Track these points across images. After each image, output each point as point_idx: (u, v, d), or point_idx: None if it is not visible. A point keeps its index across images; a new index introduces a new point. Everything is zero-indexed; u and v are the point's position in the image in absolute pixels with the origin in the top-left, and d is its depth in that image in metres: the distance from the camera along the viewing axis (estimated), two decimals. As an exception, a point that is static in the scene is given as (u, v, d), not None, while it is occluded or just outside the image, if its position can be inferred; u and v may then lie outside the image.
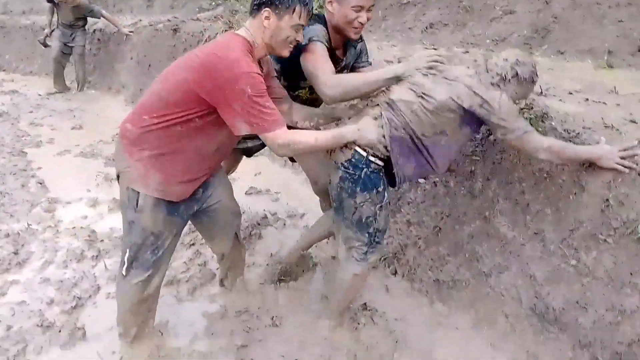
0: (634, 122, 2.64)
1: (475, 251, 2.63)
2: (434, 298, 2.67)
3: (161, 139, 2.01)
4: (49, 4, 7.20)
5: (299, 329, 2.50)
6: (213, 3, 7.90)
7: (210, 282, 2.89)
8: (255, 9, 2.00)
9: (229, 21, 5.82)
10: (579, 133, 2.41)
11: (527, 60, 2.13)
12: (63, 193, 3.97)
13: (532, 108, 2.67)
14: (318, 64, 2.16)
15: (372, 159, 2.12)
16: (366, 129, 2.09)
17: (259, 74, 1.90)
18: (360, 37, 2.46)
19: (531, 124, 2.53)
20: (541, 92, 3.10)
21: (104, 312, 2.60)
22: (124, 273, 2.23)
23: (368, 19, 2.25)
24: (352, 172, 2.13)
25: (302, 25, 2.03)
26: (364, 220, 2.18)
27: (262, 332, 2.48)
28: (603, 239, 2.14)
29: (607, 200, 2.16)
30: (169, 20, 6.65)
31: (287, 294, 2.76)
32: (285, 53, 2.08)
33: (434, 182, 3.05)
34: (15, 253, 3.09)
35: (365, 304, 2.61)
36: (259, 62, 2.08)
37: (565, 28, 4.55)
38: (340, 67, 2.46)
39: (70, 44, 7.20)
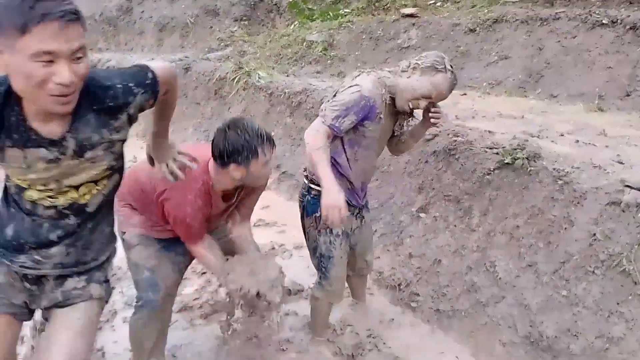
0: (621, 162, 2.85)
1: (474, 282, 2.79)
2: (435, 327, 2.81)
3: (136, 202, 2.30)
4: None
5: (303, 354, 2.64)
6: (222, 44, 8.26)
7: (221, 309, 3.03)
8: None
9: (239, 62, 6.11)
10: (567, 172, 2.61)
11: (431, 53, 2.27)
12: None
13: (524, 148, 2.88)
14: None
15: (312, 185, 2.36)
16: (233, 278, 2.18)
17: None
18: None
19: (522, 164, 2.76)
20: (534, 135, 3.33)
21: (121, 334, 2.74)
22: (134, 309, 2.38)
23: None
24: (301, 199, 2.45)
25: None
26: (312, 245, 2.45)
27: (270, 356, 2.61)
28: (591, 270, 2.31)
29: (595, 234, 2.35)
30: (180, 60, 6.96)
31: (293, 320, 2.89)
32: None
33: (434, 216, 3.24)
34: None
35: (369, 330, 2.75)
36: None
37: (558, 73, 4.83)
38: None
39: None
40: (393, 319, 2.91)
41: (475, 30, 5.70)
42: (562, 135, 3.47)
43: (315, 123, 2.22)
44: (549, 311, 2.41)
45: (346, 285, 2.77)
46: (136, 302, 2.34)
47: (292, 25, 7.91)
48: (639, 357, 2.08)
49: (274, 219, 4.24)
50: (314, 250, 2.47)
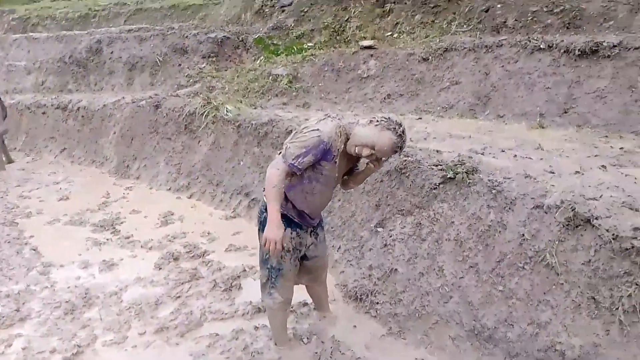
0: (552, 172, 3.21)
1: (425, 286, 3.07)
2: (393, 328, 3.06)
3: None
4: None
5: (275, 362, 2.86)
6: (191, 80, 8.56)
7: (195, 328, 3.23)
8: None
9: (207, 97, 6.41)
10: (500, 182, 2.95)
11: (393, 116, 2.49)
12: (56, 257, 4.31)
13: (463, 163, 3.22)
14: None
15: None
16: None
17: None
18: None
19: (462, 178, 3.09)
20: (476, 152, 3.68)
21: (104, 356, 2.93)
22: None
23: None
24: (259, 215, 2.74)
25: None
26: (264, 257, 2.73)
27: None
28: (522, 266, 2.62)
29: (523, 235, 2.67)
30: (150, 97, 7.22)
31: (264, 333, 3.11)
32: None
33: (390, 230, 3.52)
34: (17, 310, 3.40)
35: (333, 336, 2.99)
36: None
37: (503, 95, 5.26)
38: None
39: None
40: (355, 326, 3.15)
41: (428, 59, 6.13)
42: (503, 151, 3.83)
43: (278, 160, 2.49)
44: (489, 305, 2.70)
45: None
46: None
47: (259, 60, 8.28)
48: (563, 338, 2.38)
49: (244, 243, 4.47)
50: (264, 262, 2.74)
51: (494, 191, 2.94)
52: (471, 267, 2.87)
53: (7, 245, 4.52)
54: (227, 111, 5.89)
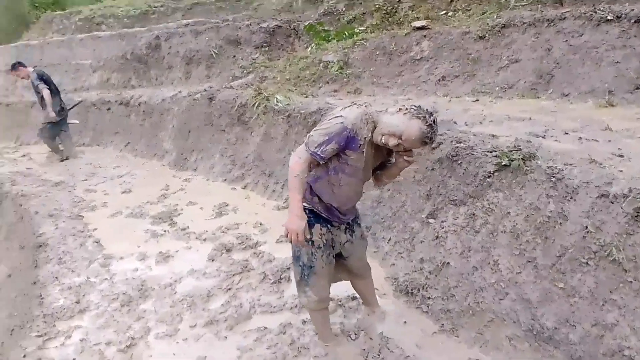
0: (620, 156, 2.92)
1: (479, 281, 2.90)
2: (445, 325, 2.92)
3: None
4: None
5: (320, 358, 2.80)
6: (244, 71, 8.63)
7: (244, 321, 3.24)
8: None
9: (258, 88, 6.41)
10: (560, 169, 2.71)
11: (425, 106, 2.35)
12: (116, 250, 4.47)
13: (520, 149, 2.99)
14: None
15: None
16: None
17: None
18: None
19: (518, 165, 2.87)
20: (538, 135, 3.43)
21: (156, 349, 3.00)
22: None
23: None
24: None
25: None
26: (295, 254, 2.65)
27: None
28: (585, 261, 2.40)
29: (587, 227, 2.44)
30: (205, 90, 7.33)
31: (311, 328, 3.06)
32: None
33: (442, 221, 3.36)
34: (77, 302, 3.55)
35: (382, 332, 2.89)
36: None
37: (567, 72, 4.88)
38: None
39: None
40: (406, 322, 3.04)
41: (485, 37, 5.81)
42: (567, 133, 3.55)
43: (301, 149, 2.40)
44: (549, 303, 2.50)
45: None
46: None
47: (309, 48, 8.20)
48: (632, 342, 2.15)
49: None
50: (297, 259, 2.66)
51: (553, 179, 2.70)
52: (529, 261, 2.67)
53: (72, 239, 4.74)
54: (277, 101, 5.87)
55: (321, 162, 2.42)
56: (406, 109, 2.30)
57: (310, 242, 2.58)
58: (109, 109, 9.42)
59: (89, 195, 6.26)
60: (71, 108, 8.62)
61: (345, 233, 2.74)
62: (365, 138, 2.36)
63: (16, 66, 8.10)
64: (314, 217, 2.57)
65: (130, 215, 5.41)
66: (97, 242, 4.67)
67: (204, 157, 6.92)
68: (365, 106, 2.42)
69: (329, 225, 2.63)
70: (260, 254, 4.14)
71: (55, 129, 8.20)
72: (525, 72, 5.23)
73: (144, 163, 7.88)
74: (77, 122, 8.95)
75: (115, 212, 5.52)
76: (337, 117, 2.34)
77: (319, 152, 2.34)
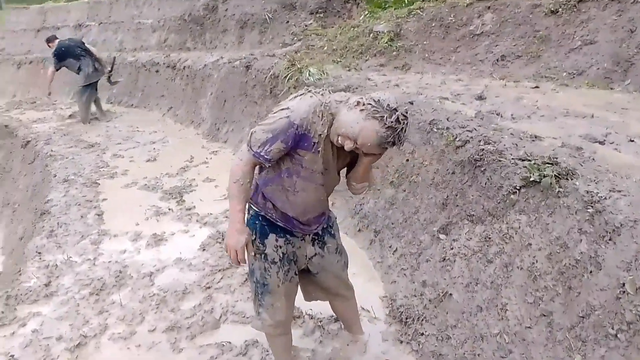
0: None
1: (482, 326, 2.28)
2: (433, 376, 2.35)
3: None
4: None
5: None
6: (295, 38, 8.08)
7: (210, 330, 2.83)
8: None
9: (292, 58, 5.85)
10: (603, 197, 2.00)
11: (388, 96, 1.75)
12: (114, 226, 4.21)
13: (555, 162, 2.28)
14: None
15: (251, 203, 2.13)
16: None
17: None
18: None
19: (550, 183, 2.18)
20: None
21: (104, 353, 2.68)
22: None
23: None
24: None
25: None
26: (250, 267, 2.19)
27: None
28: (614, 333, 1.72)
29: (624, 285, 1.75)
30: (244, 57, 6.89)
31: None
32: None
33: (453, 239, 2.73)
34: (47, 285, 3.30)
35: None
36: None
37: (653, 60, 3.94)
38: None
39: None
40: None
41: (557, 12, 4.90)
42: (632, 140, 2.77)
43: (243, 149, 1.92)
44: (558, 380, 1.85)
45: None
46: None
47: (362, 16, 7.49)
48: None
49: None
50: (251, 273, 2.20)
51: (590, 209, 1.99)
52: (543, 315, 2.01)
53: (76, 208, 4.54)
54: (309, 74, 5.30)
55: (267, 165, 1.90)
56: (363, 104, 1.71)
57: (262, 256, 2.10)
58: (157, 71, 9.26)
59: (115, 161, 6.10)
60: (111, 69, 8.53)
61: (313, 245, 2.22)
62: (320, 135, 1.83)
63: (51, 39, 8.48)
64: (267, 225, 2.09)
65: (144, 187, 5.16)
66: (98, 215, 4.44)
67: (235, 130, 6.54)
68: (322, 94, 1.85)
69: (287, 236, 2.12)
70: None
71: (91, 92, 8.25)
72: (599, 57, 4.32)
73: (180, 130, 7.66)
74: (122, 79, 8.90)
75: (130, 182, 5.29)
76: (283, 109, 1.81)
77: (262, 153, 1.84)
